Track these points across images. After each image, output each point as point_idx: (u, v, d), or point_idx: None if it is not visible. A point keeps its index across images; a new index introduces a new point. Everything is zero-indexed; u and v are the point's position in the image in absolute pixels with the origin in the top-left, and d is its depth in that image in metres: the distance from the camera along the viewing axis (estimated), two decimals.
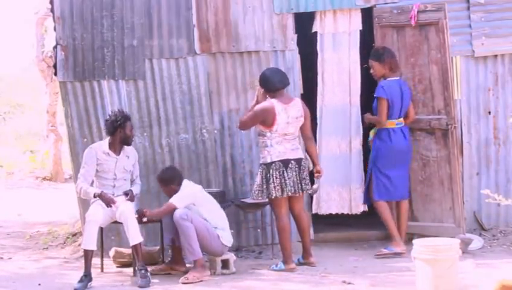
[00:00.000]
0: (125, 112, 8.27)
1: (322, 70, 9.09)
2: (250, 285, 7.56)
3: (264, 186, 8.05)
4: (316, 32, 9.09)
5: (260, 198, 8.13)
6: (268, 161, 8.05)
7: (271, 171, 8.02)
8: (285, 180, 8.03)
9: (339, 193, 9.10)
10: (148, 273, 7.71)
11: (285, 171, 8.03)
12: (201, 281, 7.72)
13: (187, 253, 7.96)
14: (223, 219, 8.14)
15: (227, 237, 8.07)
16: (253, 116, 8.13)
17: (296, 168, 8.07)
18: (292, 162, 8.07)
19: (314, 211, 9.09)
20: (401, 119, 8.69)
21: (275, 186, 8.00)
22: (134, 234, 7.79)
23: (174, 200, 7.99)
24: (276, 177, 8.01)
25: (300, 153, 8.18)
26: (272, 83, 8.12)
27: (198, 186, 8.26)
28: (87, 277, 7.65)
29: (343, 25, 9.04)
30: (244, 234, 9.08)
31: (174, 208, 7.92)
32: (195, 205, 8.04)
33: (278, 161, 8.03)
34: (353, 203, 9.08)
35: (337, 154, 9.06)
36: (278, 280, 7.68)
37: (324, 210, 9.11)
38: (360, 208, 9.08)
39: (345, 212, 9.17)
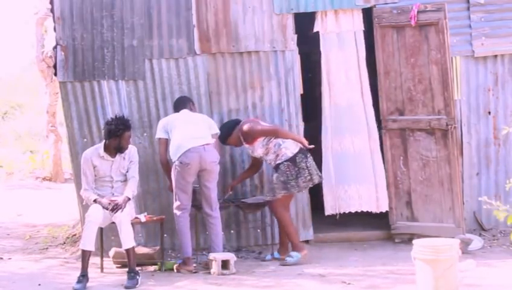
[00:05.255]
0: (127, 121, 8.07)
1: (327, 70, 9.09)
2: (250, 285, 7.56)
3: (294, 180, 8.20)
4: (317, 33, 9.10)
5: (283, 192, 8.23)
6: (290, 154, 8.25)
7: (298, 163, 8.24)
8: (309, 168, 8.30)
9: (357, 191, 9.10)
10: (138, 277, 7.69)
11: (308, 160, 8.33)
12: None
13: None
14: (184, 133, 8.17)
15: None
16: (260, 130, 8.34)
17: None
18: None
19: (328, 212, 9.10)
20: None
21: (305, 176, 8.25)
22: (127, 238, 7.79)
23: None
24: (308, 166, 8.25)
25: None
26: None
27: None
28: (84, 277, 7.64)
29: (346, 24, 9.04)
30: (244, 234, 9.08)
31: (162, 153, 8.24)
32: (169, 130, 8.24)
33: (298, 151, 8.29)
34: (370, 201, 9.11)
35: (352, 152, 9.06)
36: (279, 280, 7.68)
37: (344, 209, 9.12)
38: (382, 207, 9.11)
39: (364, 210, 9.17)
